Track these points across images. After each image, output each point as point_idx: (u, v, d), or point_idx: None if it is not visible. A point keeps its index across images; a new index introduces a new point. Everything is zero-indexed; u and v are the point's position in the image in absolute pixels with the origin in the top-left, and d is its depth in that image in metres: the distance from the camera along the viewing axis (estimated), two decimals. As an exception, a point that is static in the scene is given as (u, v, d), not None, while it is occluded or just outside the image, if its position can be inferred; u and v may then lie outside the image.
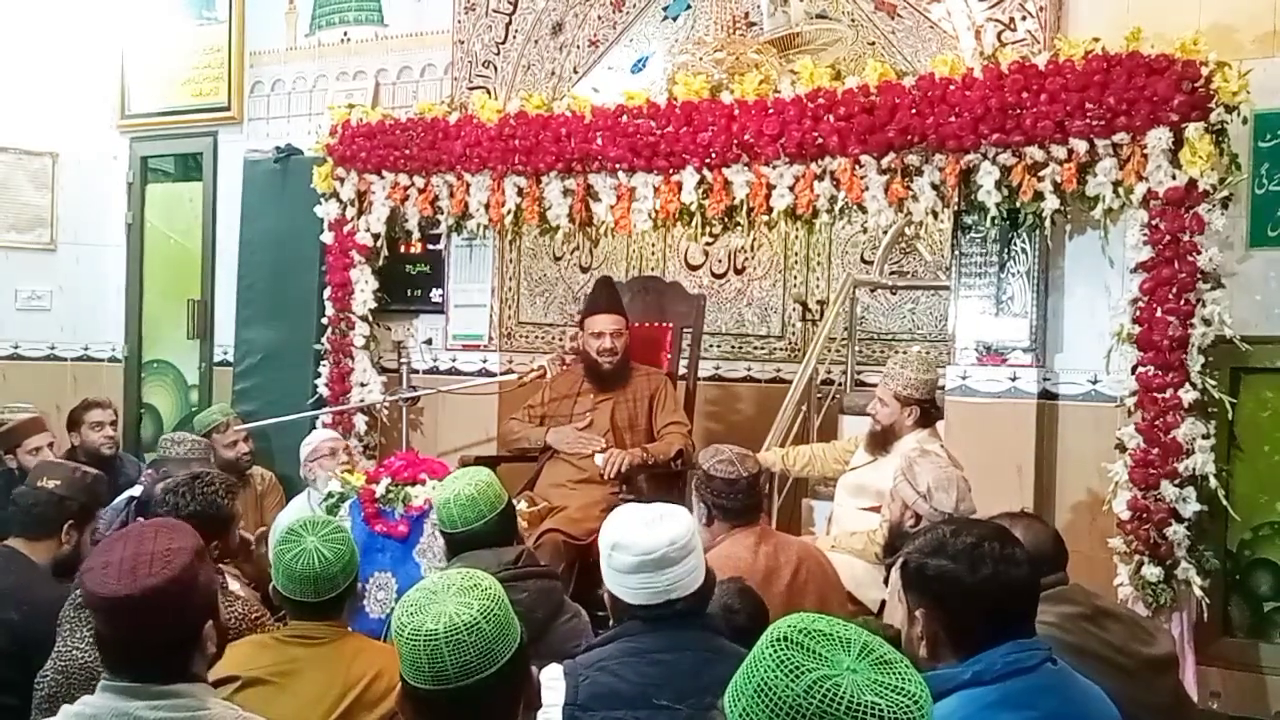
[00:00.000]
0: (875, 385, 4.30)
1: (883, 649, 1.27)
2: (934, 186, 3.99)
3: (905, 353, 4.48)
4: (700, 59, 4.70)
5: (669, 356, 5.26)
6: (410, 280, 5.51)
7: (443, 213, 5.08)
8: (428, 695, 1.67)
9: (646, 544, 2.29)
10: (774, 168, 4.23)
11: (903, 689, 1.22)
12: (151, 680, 1.87)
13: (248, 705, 2.14)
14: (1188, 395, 3.66)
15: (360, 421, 5.30)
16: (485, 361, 5.33)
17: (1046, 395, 4.17)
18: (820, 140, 4.10)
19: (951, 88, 3.91)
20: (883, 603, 3.61)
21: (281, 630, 2.69)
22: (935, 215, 4.11)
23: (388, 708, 2.43)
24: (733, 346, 6.45)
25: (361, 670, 2.50)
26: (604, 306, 4.81)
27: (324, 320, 5.39)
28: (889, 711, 1.19)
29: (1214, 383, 3.69)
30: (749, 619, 2.72)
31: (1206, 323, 3.66)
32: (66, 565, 3.16)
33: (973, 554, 1.98)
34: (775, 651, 1.25)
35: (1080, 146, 3.76)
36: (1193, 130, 3.61)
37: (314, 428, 5.25)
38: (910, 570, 2.06)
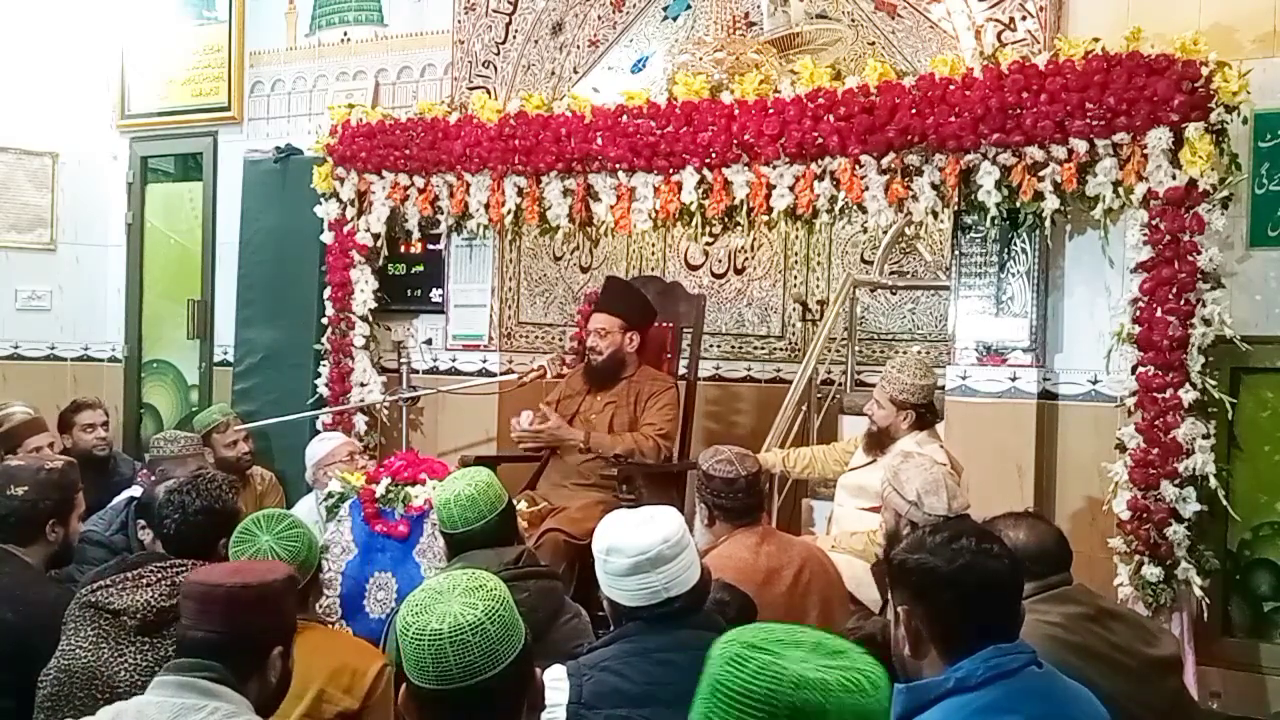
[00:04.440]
0: (875, 385, 4.30)
1: (835, 644, 1.30)
2: (934, 186, 3.99)
3: (903, 356, 4.47)
4: (700, 59, 4.70)
5: (669, 356, 5.27)
6: (406, 280, 5.51)
7: (443, 213, 5.08)
8: (432, 695, 1.67)
9: (641, 544, 2.31)
10: (774, 168, 4.23)
11: (852, 668, 1.24)
12: (207, 674, 1.95)
13: None
14: (1188, 395, 3.66)
15: (360, 421, 5.30)
16: (485, 361, 5.33)
17: (1046, 395, 4.17)
18: (820, 140, 4.10)
19: (951, 88, 3.92)
20: (883, 604, 3.62)
21: None
22: (935, 215, 4.11)
23: (346, 706, 2.44)
24: (733, 346, 6.45)
25: (320, 667, 2.48)
26: (599, 305, 4.89)
27: (324, 320, 5.39)
28: (837, 681, 1.21)
29: (1214, 383, 3.70)
30: (739, 611, 2.73)
31: (1206, 323, 3.67)
32: (58, 558, 3.16)
33: (950, 546, 2.01)
34: (724, 652, 1.29)
35: (1080, 146, 3.76)
36: (1193, 130, 3.61)
37: (314, 428, 5.25)
38: (893, 567, 2.09)
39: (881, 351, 6.05)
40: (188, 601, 2.06)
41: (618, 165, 4.54)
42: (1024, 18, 4.14)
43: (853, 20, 5.38)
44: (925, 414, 4.11)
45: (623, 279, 5.35)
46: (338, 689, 2.48)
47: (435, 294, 5.46)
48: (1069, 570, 2.67)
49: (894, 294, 6.22)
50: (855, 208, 4.15)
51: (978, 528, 2.13)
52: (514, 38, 5.25)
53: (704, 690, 1.28)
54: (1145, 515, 3.71)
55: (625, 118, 4.52)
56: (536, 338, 5.57)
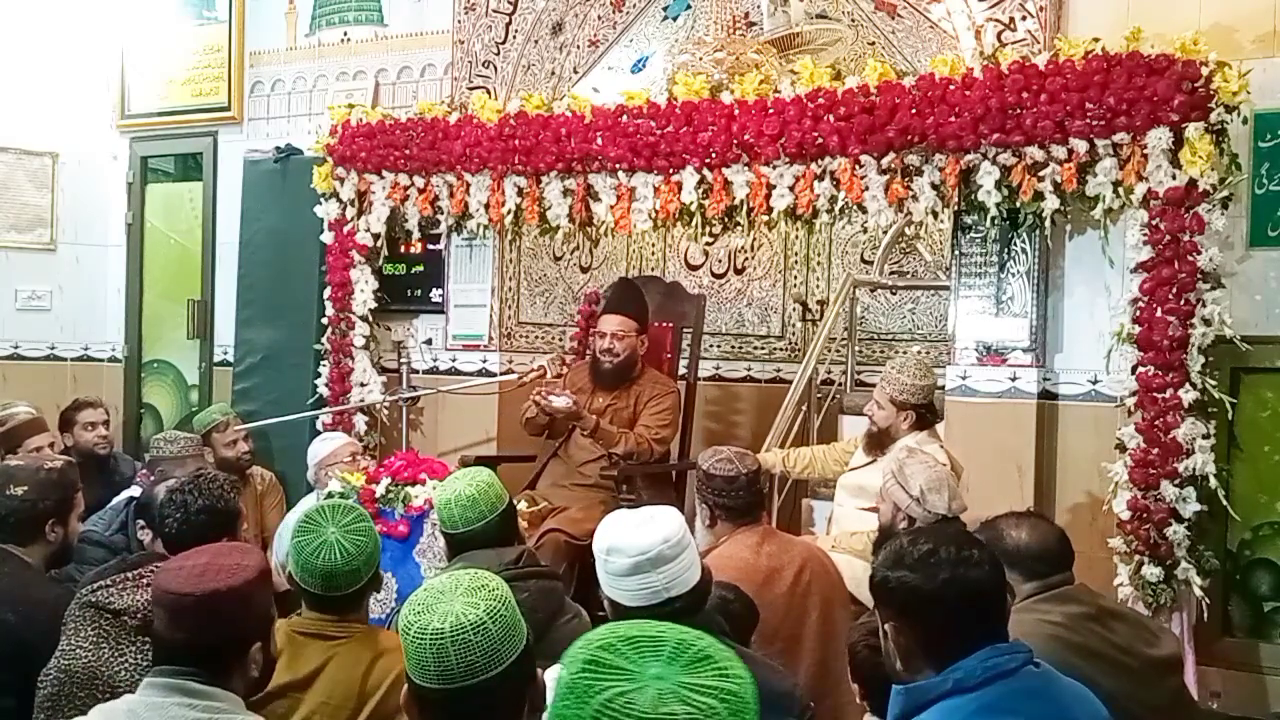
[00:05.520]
0: (875, 385, 4.30)
1: (701, 645, 1.18)
2: (934, 186, 3.99)
3: (903, 356, 4.48)
4: (700, 59, 4.70)
5: (669, 356, 5.27)
6: (406, 280, 5.51)
7: (443, 213, 5.08)
8: (433, 695, 1.68)
9: (641, 544, 2.31)
10: (774, 168, 4.23)
11: (713, 688, 1.14)
12: (195, 676, 1.96)
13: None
14: (1188, 395, 3.66)
15: (360, 421, 5.29)
16: (485, 361, 5.33)
17: (1046, 395, 4.17)
18: (820, 140, 4.10)
19: (951, 88, 3.92)
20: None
21: (294, 620, 2.55)
22: (935, 215, 4.11)
23: None
24: (733, 346, 6.45)
25: (380, 677, 2.40)
26: (613, 307, 4.87)
27: (324, 320, 5.39)
28: (689, 718, 1.11)
29: (1214, 383, 3.70)
30: (744, 611, 2.74)
31: (1206, 323, 3.67)
32: (57, 558, 3.16)
33: (929, 561, 1.98)
34: (571, 677, 1.17)
35: (1080, 146, 3.76)
36: (1193, 130, 3.61)
37: (314, 428, 5.25)
38: (875, 584, 2.06)
39: (881, 351, 6.05)
40: (159, 609, 2.04)
41: (618, 165, 4.54)
42: (1024, 18, 4.14)
43: (853, 20, 5.38)
44: (925, 414, 4.12)
45: (633, 280, 5.34)
46: (398, 701, 2.41)
47: (435, 294, 5.46)
48: (1071, 570, 2.67)
49: (894, 294, 6.22)
50: (855, 208, 4.15)
51: (957, 537, 2.09)
52: (514, 38, 5.25)
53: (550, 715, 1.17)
54: (1145, 515, 3.71)
55: (625, 118, 4.52)
56: (536, 338, 5.57)
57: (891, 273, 6.14)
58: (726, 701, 1.14)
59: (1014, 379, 4.16)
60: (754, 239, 6.35)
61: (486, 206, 4.89)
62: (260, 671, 2.06)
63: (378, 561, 2.61)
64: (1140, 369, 3.75)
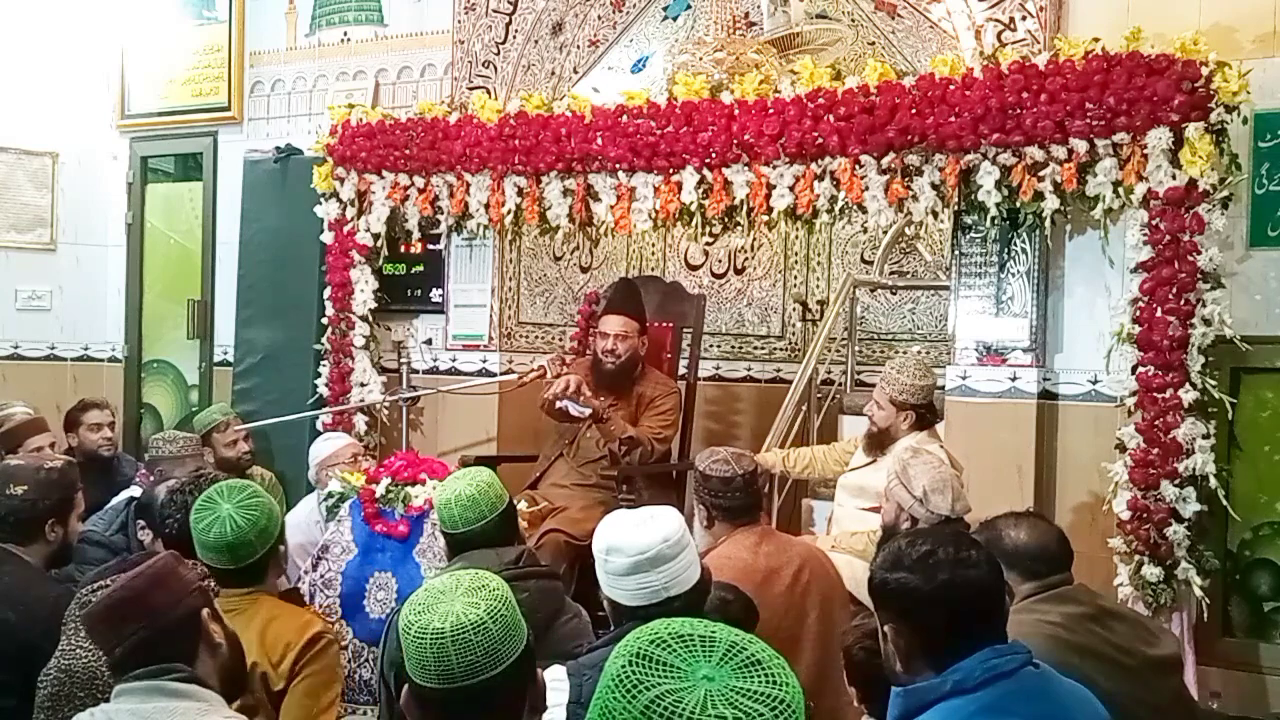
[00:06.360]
0: (875, 385, 4.30)
1: (754, 649, 1.17)
2: (934, 186, 3.99)
3: (903, 356, 4.48)
4: (700, 59, 4.70)
5: (669, 356, 5.27)
6: (406, 280, 5.51)
7: (443, 213, 5.09)
8: (433, 695, 1.67)
9: (641, 543, 2.31)
10: (774, 168, 4.23)
11: (763, 694, 1.12)
12: (170, 675, 1.95)
13: None
14: (1188, 395, 3.67)
15: (360, 421, 5.29)
16: (485, 361, 5.33)
17: (1046, 395, 4.17)
18: (820, 140, 4.11)
19: (951, 88, 3.92)
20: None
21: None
22: (935, 215, 4.11)
23: (275, 685, 2.49)
24: (733, 346, 6.45)
25: (274, 639, 2.54)
26: (615, 307, 4.86)
27: (324, 320, 5.39)
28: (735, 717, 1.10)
29: (1214, 383, 3.70)
30: (742, 611, 2.73)
31: (1206, 323, 3.67)
32: (57, 558, 3.16)
33: (927, 562, 1.98)
34: (620, 669, 1.16)
35: (1080, 146, 3.76)
36: (1193, 130, 3.61)
37: (314, 428, 5.25)
38: (874, 586, 2.06)
39: (881, 351, 6.05)
40: (95, 630, 2.05)
41: (618, 165, 4.54)
42: (1024, 18, 4.14)
43: (853, 20, 5.38)
44: (925, 414, 4.12)
45: (633, 280, 5.34)
46: (269, 663, 2.51)
47: (435, 294, 5.46)
48: (1070, 570, 2.67)
49: (894, 294, 6.22)
50: (855, 208, 4.15)
51: (955, 538, 2.09)
52: (514, 38, 5.25)
53: (592, 712, 1.17)
54: (1145, 515, 3.71)
55: (625, 118, 4.52)
56: (536, 338, 5.57)
57: (891, 273, 6.14)
58: (776, 710, 1.12)
59: (1014, 379, 4.16)
60: (754, 239, 6.35)
61: (486, 206, 4.89)
62: (229, 646, 2.08)
63: (273, 535, 2.73)
64: (1140, 369, 3.75)
